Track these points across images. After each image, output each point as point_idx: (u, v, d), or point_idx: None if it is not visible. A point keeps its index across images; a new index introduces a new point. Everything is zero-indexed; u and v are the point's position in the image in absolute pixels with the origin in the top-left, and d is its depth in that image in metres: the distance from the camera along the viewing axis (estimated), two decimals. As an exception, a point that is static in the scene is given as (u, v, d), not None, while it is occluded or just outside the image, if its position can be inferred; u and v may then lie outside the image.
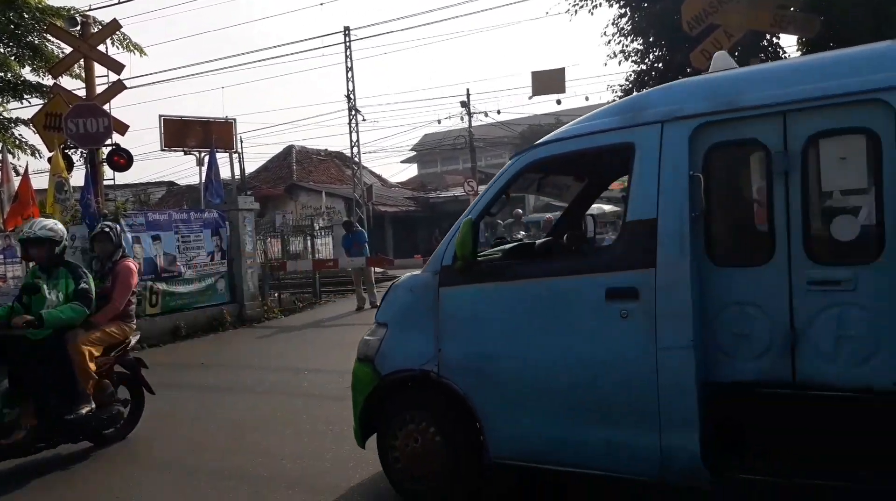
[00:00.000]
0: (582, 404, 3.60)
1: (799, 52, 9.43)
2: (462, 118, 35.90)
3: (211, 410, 6.99)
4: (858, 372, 3.09)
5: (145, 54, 14.82)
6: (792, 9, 7.72)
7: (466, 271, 3.90)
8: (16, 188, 12.15)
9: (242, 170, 33.41)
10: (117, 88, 13.03)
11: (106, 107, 12.43)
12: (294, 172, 33.41)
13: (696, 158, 3.39)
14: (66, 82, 14.00)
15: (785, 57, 9.45)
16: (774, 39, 9.35)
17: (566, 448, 3.70)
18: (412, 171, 61.20)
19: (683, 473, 3.36)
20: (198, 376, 8.77)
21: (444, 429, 4.00)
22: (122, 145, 12.70)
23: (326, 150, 34.45)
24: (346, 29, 30.38)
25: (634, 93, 9.56)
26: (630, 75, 9.50)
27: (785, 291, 3.25)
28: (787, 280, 3.24)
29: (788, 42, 9.88)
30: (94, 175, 11.68)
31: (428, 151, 56.68)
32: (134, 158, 12.67)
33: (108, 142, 12.42)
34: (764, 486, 3.30)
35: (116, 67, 12.99)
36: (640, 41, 9.19)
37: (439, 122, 39.42)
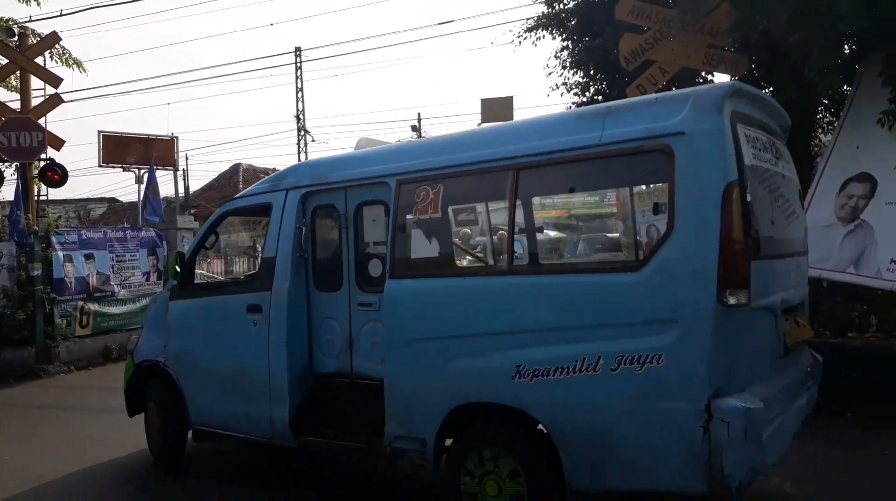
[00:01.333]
0: (233, 386, 5.02)
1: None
2: (412, 142, 36.03)
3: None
4: (380, 367, 4.34)
5: (84, 70, 14.43)
6: (724, 48, 8.05)
7: (180, 289, 5.57)
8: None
9: (187, 188, 32.69)
10: (54, 101, 12.68)
11: (42, 121, 12.09)
12: (241, 190, 32.88)
13: (304, 215, 4.86)
14: (1, 94, 13.59)
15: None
16: (709, 77, 9.69)
17: (227, 418, 5.12)
18: (362, 193, 60.79)
19: (281, 435, 4.74)
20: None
21: (165, 405, 5.55)
22: (59, 161, 12.39)
23: (275, 169, 34.06)
24: (297, 49, 30.37)
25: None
26: (571, 107, 9.70)
27: (347, 310, 4.71)
28: (348, 302, 4.70)
29: (721, 80, 10.25)
30: (24, 190, 11.29)
31: (378, 173, 56.68)
32: (69, 174, 12.38)
33: (43, 157, 12.07)
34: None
35: (54, 80, 12.65)
36: (581, 74, 9.41)
37: (390, 145, 39.44)
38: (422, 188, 4.21)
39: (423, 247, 4.26)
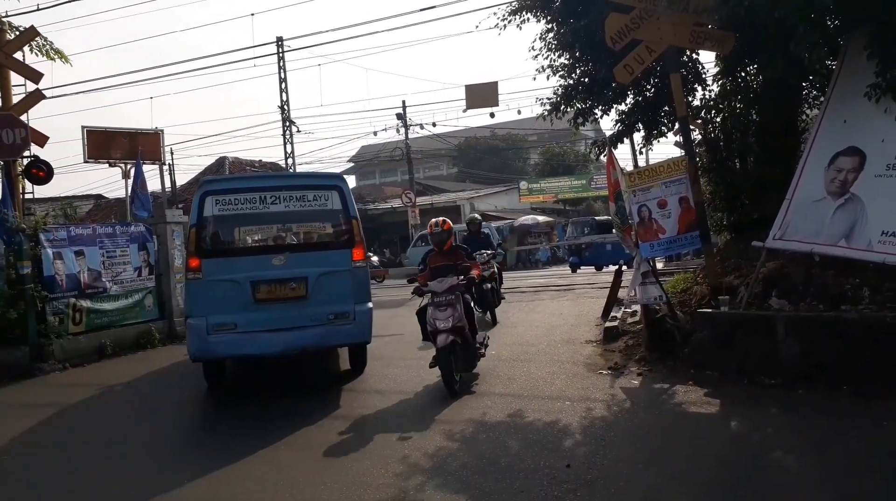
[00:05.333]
0: None
1: (717, 68, 9.83)
2: (398, 130, 35.89)
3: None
4: None
5: (68, 61, 14.14)
6: (709, 26, 8.05)
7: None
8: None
9: (173, 182, 32.53)
10: (35, 97, 12.52)
11: (24, 117, 11.93)
12: (227, 183, 32.62)
13: None
14: (-20, 92, 13.34)
15: (704, 73, 9.86)
16: (694, 55, 9.69)
17: None
18: (350, 182, 60.57)
19: None
20: (121, 394, 8.48)
21: None
22: (42, 157, 12.25)
23: (261, 161, 33.83)
24: (279, 39, 30.12)
25: (562, 106, 9.79)
26: (558, 89, 9.67)
27: None
28: None
29: (707, 58, 10.26)
30: (10, 188, 11.16)
31: (366, 162, 56.48)
32: (55, 171, 12.24)
33: (27, 154, 11.93)
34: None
35: (34, 75, 12.49)
36: (567, 56, 9.37)
37: (375, 134, 39.42)
38: None
39: None
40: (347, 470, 5.08)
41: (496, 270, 11.80)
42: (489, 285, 11.03)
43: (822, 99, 8.22)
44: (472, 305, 8.29)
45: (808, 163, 7.38)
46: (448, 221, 8.09)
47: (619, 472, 4.75)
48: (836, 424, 5.43)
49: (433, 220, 8.07)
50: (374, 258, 27.55)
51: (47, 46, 13.72)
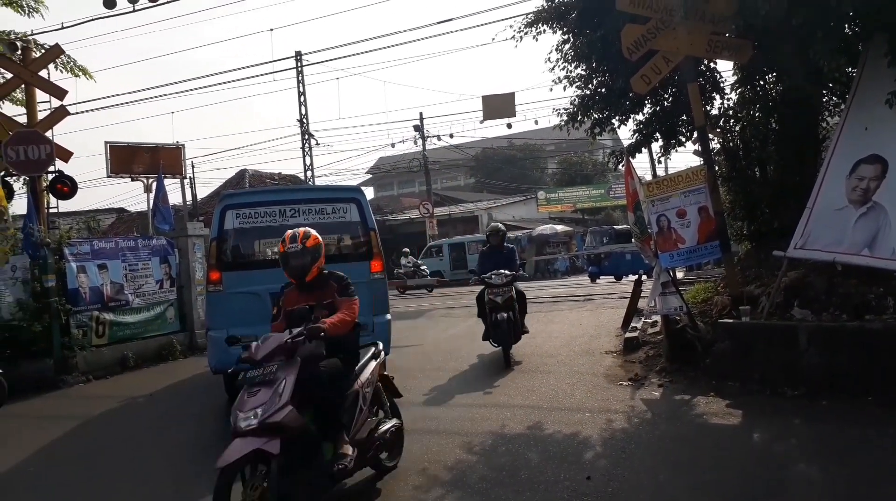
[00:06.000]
0: None
1: (735, 77, 9.79)
2: (416, 142, 36.05)
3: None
4: None
5: (92, 77, 14.49)
6: (727, 35, 8.02)
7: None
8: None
9: (194, 195, 32.87)
10: (60, 113, 12.76)
11: (48, 133, 12.15)
12: (247, 196, 32.90)
13: None
14: (7, 108, 13.65)
15: (722, 81, 9.82)
16: (712, 64, 9.66)
17: None
18: (368, 194, 60.81)
19: None
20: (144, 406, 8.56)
21: None
22: (67, 172, 12.46)
23: (280, 173, 34.10)
24: (298, 54, 30.42)
25: (579, 117, 9.78)
26: (574, 100, 9.67)
27: None
28: None
29: (725, 67, 10.22)
30: (35, 203, 11.37)
31: (383, 174, 56.74)
32: (79, 186, 12.45)
33: (52, 169, 12.14)
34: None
35: (59, 92, 12.74)
36: (584, 67, 9.37)
37: (393, 145, 39.50)
38: None
39: None
40: (366, 484, 5.08)
41: (515, 293, 9.22)
42: (505, 316, 8.86)
43: (842, 106, 8.14)
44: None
45: (830, 171, 7.31)
46: (313, 233, 4.99)
47: (641, 484, 4.71)
48: (861, 434, 5.34)
49: (288, 232, 4.97)
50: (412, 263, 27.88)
51: (71, 63, 14.04)
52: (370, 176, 58.36)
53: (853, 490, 4.38)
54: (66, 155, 12.56)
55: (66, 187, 12.18)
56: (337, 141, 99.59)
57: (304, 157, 30.90)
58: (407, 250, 28.97)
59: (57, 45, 13.00)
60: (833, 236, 6.98)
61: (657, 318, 8.98)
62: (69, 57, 13.96)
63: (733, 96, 9.83)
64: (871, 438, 5.25)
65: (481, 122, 34.25)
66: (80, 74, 14.32)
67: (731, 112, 9.85)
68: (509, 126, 29.62)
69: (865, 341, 6.20)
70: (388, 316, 7.83)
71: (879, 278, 6.76)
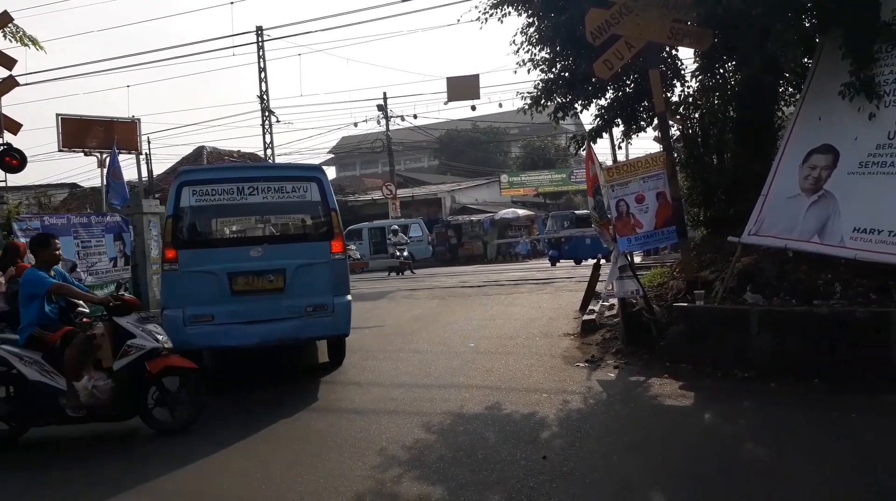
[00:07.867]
0: None
1: (696, 65, 9.92)
2: (379, 122, 35.74)
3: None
4: None
5: (42, 48, 13.89)
6: (689, 23, 8.11)
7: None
8: None
9: (150, 171, 32.19)
10: (9, 84, 12.27)
11: (-4, 104, 11.71)
12: (205, 174, 32.30)
13: None
14: (-49, 78, 13.07)
15: (683, 69, 9.94)
16: (674, 52, 9.76)
17: None
18: (330, 174, 60.18)
19: None
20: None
21: None
22: (16, 145, 12.04)
23: (239, 151, 33.57)
24: (259, 29, 29.82)
25: (542, 100, 9.81)
26: (538, 83, 9.69)
27: None
28: None
29: (686, 54, 10.35)
30: (-18, 177, 10.98)
31: (346, 153, 56.17)
32: (29, 159, 12.04)
33: (0, 142, 11.72)
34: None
35: (8, 62, 12.23)
36: (548, 50, 9.38)
37: (356, 125, 39.16)
38: None
39: None
40: (324, 463, 5.08)
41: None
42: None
43: (798, 96, 8.33)
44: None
45: (784, 160, 7.48)
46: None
47: (595, 464, 4.80)
48: (807, 416, 5.53)
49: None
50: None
51: (21, 33, 13.45)
52: (332, 156, 57.69)
53: (798, 469, 4.53)
54: (14, 127, 12.12)
55: (14, 160, 11.77)
56: (298, 119, 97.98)
57: (263, 134, 30.41)
58: (396, 227, 28.34)
59: (5, 11, 12.47)
60: (786, 224, 7.16)
61: (614, 301, 9.13)
62: (17, 26, 13.37)
63: (694, 84, 9.98)
64: (815, 420, 5.44)
65: (445, 103, 34.09)
66: (30, 44, 13.75)
67: (690, 99, 9.99)
68: (473, 108, 29.55)
69: (813, 325, 6.39)
70: (349, 297, 7.79)
71: (828, 264, 6.97)
